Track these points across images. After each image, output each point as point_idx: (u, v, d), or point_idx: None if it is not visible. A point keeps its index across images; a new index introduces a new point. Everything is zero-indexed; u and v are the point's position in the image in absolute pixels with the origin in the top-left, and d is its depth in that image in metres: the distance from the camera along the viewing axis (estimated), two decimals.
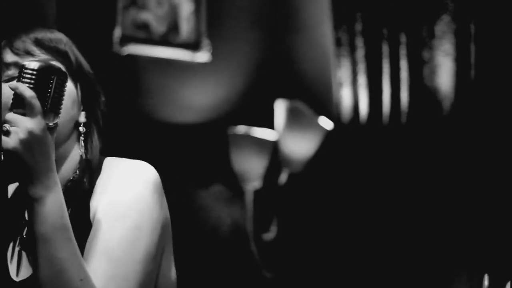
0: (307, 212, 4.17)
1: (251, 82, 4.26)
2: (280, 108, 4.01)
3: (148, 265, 1.56)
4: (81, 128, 1.70)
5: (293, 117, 3.97)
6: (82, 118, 1.70)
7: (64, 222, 1.49)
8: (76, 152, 1.69)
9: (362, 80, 4.09)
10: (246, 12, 4.40)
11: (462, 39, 3.86)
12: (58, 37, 1.73)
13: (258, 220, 4.03)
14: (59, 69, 1.56)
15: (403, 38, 4.03)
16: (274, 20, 4.42)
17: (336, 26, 4.20)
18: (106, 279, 1.51)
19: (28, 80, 1.52)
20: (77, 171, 1.67)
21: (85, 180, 1.65)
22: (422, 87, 3.95)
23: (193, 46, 4.21)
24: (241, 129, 3.98)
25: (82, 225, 1.57)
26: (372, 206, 3.99)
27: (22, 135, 1.47)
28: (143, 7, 4.22)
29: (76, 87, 1.68)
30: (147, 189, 1.60)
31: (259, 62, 4.32)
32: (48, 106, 1.53)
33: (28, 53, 1.65)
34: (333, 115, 4.12)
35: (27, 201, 1.49)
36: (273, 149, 4.02)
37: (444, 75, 3.88)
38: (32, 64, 1.53)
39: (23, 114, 1.49)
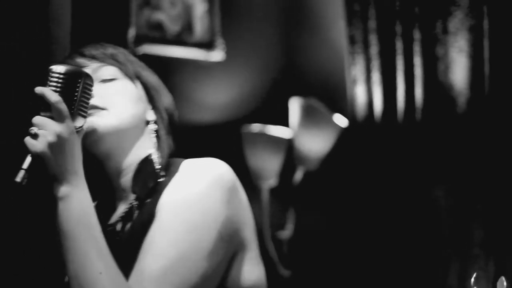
0: (322, 210, 4.17)
1: (265, 81, 4.27)
2: (294, 106, 4.02)
3: (204, 265, 1.53)
4: (151, 126, 1.74)
5: (308, 114, 3.98)
6: (150, 116, 1.75)
7: (88, 219, 1.52)
8: (150, 151, 1.72)
9: (376, 77, 4.08)
10: (259, 11, 4.41)
11: (476, 35, 3.84)
12: (106, 44, 1.82)
13: (274, 218, 4.04)
14: (85, 72, 1.59)
15: (417, 35, 4.02)
16: (287, 18, 4.43)
17: (350, 24, 4.19)
18: (159, 275, 1.50)
19: (55, 84, 1.56)
20: (148, 168, 1.68)
21: (154, 177, 1.66)
22: (436, 83, 3.94)
23: (207, 45, 4.23)
24: (255, 127, 3.99)
25: (148, 219, 1.58)
26: (387, 203, 3.99)
27: (50, 138, 1.51)
28: (156, 7, 4.24)
29: (135, 86, 1.74)
30: (210, 187, 1.58)
31: (273, 60, 4.33)
32: (75, 109, 1.56)
33: (93, 58, 1.73)
34: (348, 112, 4.12)
35: (54, 198, 1.52)
36: (288, 147, 4.03)
37: (458, 72, 3.87)
38: (58, 68, 1.57)
39: (51, 117, 1.52)
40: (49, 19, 4.01)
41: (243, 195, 1.66)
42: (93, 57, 1.74)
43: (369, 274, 3.99)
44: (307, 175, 4.09)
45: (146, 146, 1.73)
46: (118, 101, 1.70)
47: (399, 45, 4.06)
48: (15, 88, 3.82)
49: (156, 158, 1.71)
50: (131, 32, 4.13)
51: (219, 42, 4.25)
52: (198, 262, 1.53)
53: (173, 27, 4.23)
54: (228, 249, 1.59)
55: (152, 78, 1.81)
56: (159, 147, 1.73)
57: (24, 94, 3.79)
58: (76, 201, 1.52)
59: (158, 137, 1.74)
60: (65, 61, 1.75)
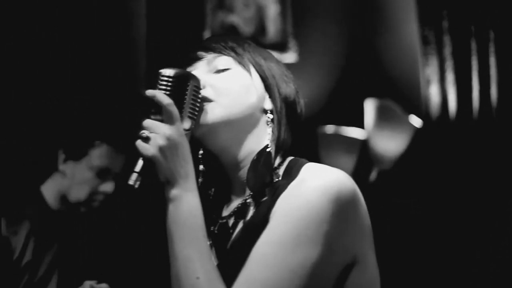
0: (397, 209, 4.17)
1: (338, 82, 4.29)
2: (369, 107, 4.03)
3: (303, 278, 1.46)
4: (267, 116, 1.68)
5: (382, 115, 3.98)
6: (267, 104, 1.70)
7: (195, 222, 1.51)
8: (267, 142, 1.67)
9: (450, 77, 4.07)
10: (331, 12, 4.43)
11: None
12: (230, 36, 1.78)
13: None
14: (193, 75, 1.59)
15: (491, 35, 4.00)
16: (360, 18, 4.44)
17: (423, 24, 4.19)
18: (251, 281, 1.46)
19: (164, 87, 1.55)
20: (265, 161, 1.64)
21: (271, 172, 1.63)
22: (511, 83, 3.92)
23: (280, 46, 4.26)
24: (330, 128, 4.01)
25: (261, 223, 1.54)
26: (462, 203, 3.98)
27: (161, 141, 1.50)
28: (230, 9, 4.29)
29: (250, 75, 1.69)
30: (324, 198, 1.49)
31: (346, 61, 4.34)
32: (184, 111, 1.56)
33: (211, 49, 1.70)
34: (422, 113, 4.12)
35: (164, 199, 1.52)
36: (362, 147, 4.04)
37: None
38: (167, 71, 1.56)
39: (161, 121, 1.52)
40: (125, 22, 4.10)
41: (363, 209, 1.56)
42: (211, 49, 1.70)
43: (441, 274, 3.99)
44: (381, 175, 4.09)
45: (263, 137, 1.67)
46: (228, 90, 1.65)
47: (473, 45, 4.05)
48: (94, 87, 3.92)
49: (272, 150, 1.65)
50: (206, 35, 4.18)
51: (292, 43, 4.28)
52: (304, 277, 1.46)
53: (246, 29, 4.28)
54: (338, 263, 1.52)
55: (273, 66, 1.73)
56: (274, 139, 1.67)
57: (104, 93, 3.89)
58: (185, 203, 1.51)
59: (274, 127, 1.68)
60: (186, 56, 1.74)
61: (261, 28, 4.31)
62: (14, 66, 3.58)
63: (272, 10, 4.32)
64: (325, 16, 4.40)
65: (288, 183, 1.56)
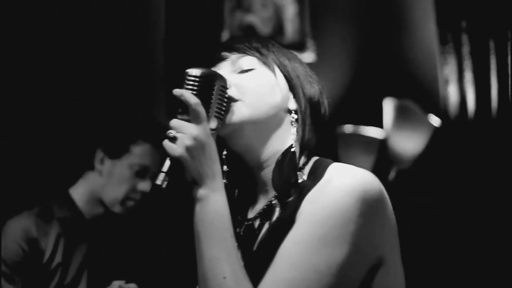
0: (416, 209, 4.17)
1: (357, 81, 4.29)
2: (388, 106, 4.03)
3: (330, 278, 1.46)
4: (292, 116, 1.69)
5: (401, 115, 3.98)
6: (292, 104, 1.70)
7: (222, 222, 1.51)
8: (291, 142, 1.67)
9: (468, 76, 4.07)
10: (349, 12, 4.43)
11: None
12: (254, 36, 1.81)
13: None
14: (220, 75, 1.59)
15: (509, 34, 3.99)
16: (378, 18, 4.44)
17: (441, 24, 4.19)
18: (278, 281, 1.46)
19: (191, 87, 1.56)
20: (290, 161, 1.63)
21: (296, 173, 1.63)
22: None
23: (298, 46, 4.27)
24: (348, 128, 4.01)
25: (287, 223, 1.54)
26: (481, 202, 3.97)
27: (187, 141, 1.50)
28: (248, 9, 4.30)
29: (275, 75, 1.70)
30: (351, 198, 1.48)
31: (364, 61, 4.34)
32: (211, 111, 1.56)
33: (235, 50, 1.72)
34: (440, 112, 4.11)
35: (192, 199, 1.52)
36: (380, 147, 4.04)
37: None
38: (194, 71, 1.57)
39: (188, 120, 1.53)
40: (145, 21, 4.12)
41: (390, 210, 1.56)
42: (235, 49, 1.71)
43: (459, 274, 3.98)
44: (400, 174, 4.09)
45: (288, 137, 1.68)
46: (253, 90, 1.66)
47: (491, 44, 4.04)
48: (115, 86, 3.94)
49: (297, 150, 1.65)
50: (225, 35, 4.20)
51: (310, 43, 4.29)
52: (330, 277, 1.46)
53: (264, 29, 4.28)
54: (364, 264, 1.51)
55: (297, 66, 1.74)
56: (298, 139, 1.67)
57: (123, 91, 3.91)
58: (212, 203, 1.51)
59: (298, 127, 1.68)
60: (210, 56, 1.75)
61: (279, 28, 4.32)
62: (47, 63, 3.60)
63: (290, 10, 4.33)
64: (343, 16, 4.41)
65: (314, 184, 1.56)
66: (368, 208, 1.50)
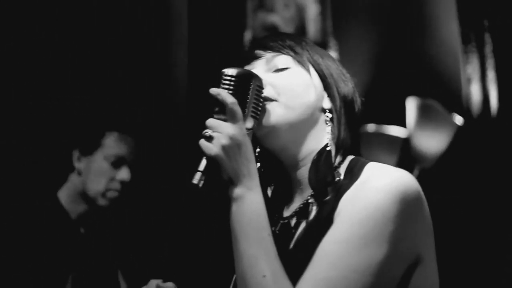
0: (439, 208, 4.17)
1: (379, 80, 4.30)
2: (411, 105, 4.03)
3: (369, 277, 1.46)
4: (326, 115, 1.69)
5: (424, 114, 3.98)
6: (326, 104, 1.70)
7: (259, 221, 1.51)
8: (326, 141, 1.67)
9: (491, 75, 4.07)
10: (371, 11, 4.44)
11: None
12: (287, 34, 1.79)
13: None
14: (256, 74, 1.60)
15: None
16: (400, 17, 4.44)
17: (463, 23, 4.19)
18: (318, 280, 1.46)
19: (227, 86, 1.56)
20: (325, 160, 1.63)
21: (332, 172, 1.63)
22: None
23: (320, 46, 4.22)
24: (371, 127, 4.02)
25: (325, 222, 1.54)
26: (504, 200, 3.97)
27: (224, 140, 1.51)
28: (271, 9, 4.31)
29: (309, 74, 1.69)
30: (389, 198, 1.48)
31: (387, 60, 4.34)
32: (247, 110, 1.57)
33: (269, 48, 1.72)
34: (463, 110, 4.11)
35: (228, 199, 1.53)
36: (404, 146, 4.04)
37: None
38: (230, 71, 1.57)
39: (224, 120, 1.53)
40: (168, 21, 4.15)
41: (426, 210, 1.56)
42: (269, 48, 1.71)
43: (483, 271, 3.98)
44: (423, 173, 4.09)
45: (323, 136, 1.67)
46: (289, 90, 1.66)
47: None
48: (136, 85, 3.96)
49: (332, 149, 1.66)
50: (247, 35, 4.22)
51: (332, 43, 4.30)
52: (369, 276, 1.46)
53: (287, 29, 4.30)
54: (402, 263, 1.52)
55: (331, 65, 1.74)
56: (333, 138, 1.67)
57: (145, 90, 3.93)
58: (249, 202, 1.51)
59: (333, 126, 1.68)
60: (244, 54, 1.75)
61: (301, 28, 4.33)
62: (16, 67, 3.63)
63: (312, 10, 4.34)
64: (365, 15, 4.41)
65: (352, 183, 1.56)
66: (406, 208, 1.50)
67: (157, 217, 3.07)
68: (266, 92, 1.64)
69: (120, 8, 3.98)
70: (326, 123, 1.68)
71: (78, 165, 3.02)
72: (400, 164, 4.03)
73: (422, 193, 1.56)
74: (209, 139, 1.51)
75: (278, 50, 1.71)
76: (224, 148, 1.50)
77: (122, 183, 3.01)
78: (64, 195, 3.01)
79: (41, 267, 2.83)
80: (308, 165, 1.67)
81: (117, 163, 3.00)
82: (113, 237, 3.21)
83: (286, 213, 1.72)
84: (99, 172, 2.98)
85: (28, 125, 3.49)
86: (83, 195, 3.00)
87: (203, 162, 1.53)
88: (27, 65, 3.63)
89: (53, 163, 3.15)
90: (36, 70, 3.64)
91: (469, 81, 4.13)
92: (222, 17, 4.19)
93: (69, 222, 2.97)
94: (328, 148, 1.65)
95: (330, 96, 1.70)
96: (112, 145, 3.01)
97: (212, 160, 1.52)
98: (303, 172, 1.69)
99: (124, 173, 3.00)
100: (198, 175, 1.52)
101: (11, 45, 3.60)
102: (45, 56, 3.68)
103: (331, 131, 1.68)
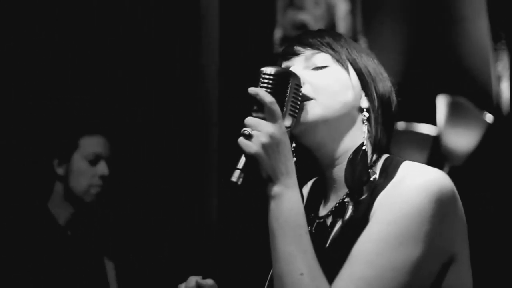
0: (469, 205, 4.16)
1: (409, 78, 4.29)
2: (441, 103, 4.02)
3: (405, 276, 1.47)
4: (363, 114, 1.70)
5: (454, 111, 3.97)
6: (364, 103, 1.71)
7: (297, 219, 1.52)
8: (362, 140, 1.68)
9: None
10: (401, 9, 4.44)
11: None
12: (326, 31, 1.80)
13: None
14: (294, 73, 1.61)
15: None
16: (430, 15, 4.44)
17: (494, 20, 4.17)
18: (355, 279, 1.47)
19: (266, 85, 1.57)
20: (361, 159, 1.64)
21: (368, 171, 1.64)
22: None
23: None
24: (401, 125, 4.02)
25: (361, 221, 1.56)
26: None
27: (263, 139, 1.51)
28: (301, 7, 4.33)
29: (348, 72, 1.70)
30: (425, 197, 1.50)
31: (417, 57, 4.34)
32: (286, 109, 1.58)
33: (308, 45, 1.72)
34: (493, 108, 4.10)
35: (266, 197, 1.53)
36: (434, 144, 4.04)
37: None
38: (269, 69, 1.58)
39: (263, 118, 1.53)
40: (199, 19, 4.17)
41: (461, 208, 1.58)
42: (308, 45, 1.72)
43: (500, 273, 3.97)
44: (453, 171, 4.09)
45: (359, 135, 1.68)
46: (327, 89, 1.67)
47: None
48: (169, 83, 3.99)
49: (368, 148, 1.67)
50: (277, 33, 4.24)
51: (362, 41, 4.30)
52: (405, 275, 1.47)
53: (317, 27, 4.31)
54: (437, 262, 1.54)
55: (369, 64, 1.74)
56: (370, 137, 1.68)
57: (173, 89, 3.96)
58: (287, 201, 1.51)
59: (370, 126, 1.69)
60: (283, 51, 1.76)
61: (331, 26, 4.34)
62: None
63: (342, 8, 4.36)
64: (395, 13, 4.41)
65: (387, 182, 1.58)
66: (442, 207, 1.51)
67: (159, 217, 3.15)
68: (304, 91, 1.65)
69: (149, 5, 4.01)
70: (363, 122, 1.69)
71: (60, 171, 3.14)
72: (430, 162, 4.04)
73: (456, 192, 1.58)
74: (249, 137, 1.52)
75: (317, 47, 1.71)
76: (264, 146, 1.51)
77: (103, 178, 3.12)
78: (51, 202, 3.13)
79: (32, 269, 2.96)
80: (344, 163, 1.67)
81: (94, 161, 3.12)
82: (101, 237, 3.30)
83: (322, 212, 1.74)
84: (80, 172, 3.11)
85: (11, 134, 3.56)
86: (69, 198, 3.13)
87: (242, 160, 1.54)
88: (27, 66, 3.68)
89: (38, 174, 3.23)
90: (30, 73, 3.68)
91: (499, 78, 4.12)
92: (252, 15, 4.21)
93: (57, 226, 3.09)
94: (364, 147, 1.66)
95: (368, 95, 1.71)
96: (87, 144, 3.13)
97: (251, 158, 1.52)
98: (339, 171, 1.70)
99: (103, 169, 3.12)
100: (237, 173, 1.53)
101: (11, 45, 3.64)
102: (43, 57, 3.71)
103: (368, 130, 1.68)
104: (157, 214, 3.84)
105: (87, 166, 3.11)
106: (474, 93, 4.19)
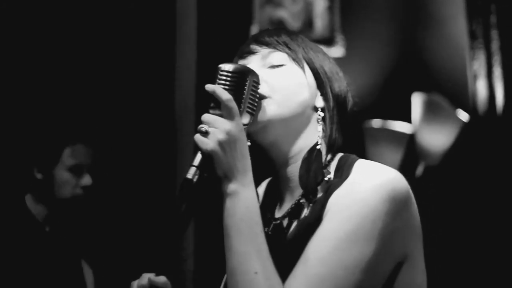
0: (443, 205, 4.17)
1: (385, 76, 4.30)
2: (417, 101, 4.02)
3: (357, 274, 1.47)
4: (318, 114, 1.68)
5: (430, 109, 3.97)
6: (319, 102, 1.70)
7: (252, 217, 1.51)
8: (317, 139, 1.67)
9: (498, 72, 4.07)
10: (378, 7, 4.44)
11: None
12: (283, 30, 1.78)
13: None
14: (252, 70, 1.59)
15: None
16: (407, 13, 4.44)
17: (471, 19, 4.18)
18: (316, 282, 1.46)
19: (224, 82, 1.55)
20: (316, 159, 1.63)
21: (322, 170, 1.63)
22: None
23: (328, 41, 4.28)
24: (376, 122, 4.02)
25: (315, 221, 1.54)
26: (510, 198, 3.97)
27: (220, 136, 1.50)
28: (279, 4, 4.32)
29: (304, 72, 1.69)
30: (378, 196, 1.49)
31: (393, 55, 4.34)
32: (243, 106, 1.56)
33: (265, 44, 1.71)
34: (469, 107, 4.11)
35: (221, 194, 1.52)
36: (409, 142, 4.04)
37: None
38: (227, 66, 1.56)
39: (220, 115, 1.52)
40: (176, 16, 4.15)
41: (415, 209, 1.57)
42: (265, 43, 1.70)
43: (486, 271, 3.98)
44: (428, 170, 4.09)
45: (314, 134, 1.67)
46: (283, 87, 1.65)
47: None
48: (146, 81, 3.97)
49: (323, 148, 1.65)
50: (254, 29, 4.22)
51: (339, 38, 4.30)
52: (357, 273, 1.47)
53: (294, 24, 4.30)
54: (390, 261, 1.53)
55: (325, 63, 1.73)
56: (325, 136, 1.67)
57: (153, 87, 3.94)
58: (243, 199, 1.51)
59: (325, 125, 1.68)
60: (240, 49, 1.74)
61: (308, 22, 4.33)
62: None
63: (320, 5, 4.35)
64: (373, 11, 4.41)
65: (341, 181, 1.56)
66: (395, 206, 1.50)
67: (134, 214, 3.15)
68: (261, 89, 1.64)
69: (125, 5, 3.99)
70: (318, 122, 1.68)
71: (39, 176, 3.14)
72: (405, 160, 4.04)
73: (411, 192, 1.56)
74: (205, 134, 1.50)
75: (273, 46, 1.70)
76: (220, 143, 1.50)
77: (86, 188, 3.15)
78: (29, 200, 3.14)
79: (8, 264, 2.96)
80: (298, 162, 1.67)
81: (77, 171, 3.14)
82: (78, 232, 3.31)
83: (278, 213, 1.72)
84: (63, 182, 3.12)
85: None
86: (47, 198, 3.13)
87: (198, 157, 1.51)
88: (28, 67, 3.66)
89: (17, 172, 3.24)
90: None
91: (475, 77, 4.13)
92: (229, 11, 4.20)
93: (34, 222, 3.10)
94: (318, 147, 1.65)
95: (323, 94, 1.70)
96: (70, 155, 3.14)
97: (207, 155, 1.51)
98: (293, 170, 1.68)
99: (86, 179, 3.14)
100: (192, 170, 1.51)
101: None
102: (42, 59, 3.70)
103: (323, 129, 1.68)
104: (130, 217, 3.83)
105: (70, 177, 3.13)
106: (450, 92, 4.20)
